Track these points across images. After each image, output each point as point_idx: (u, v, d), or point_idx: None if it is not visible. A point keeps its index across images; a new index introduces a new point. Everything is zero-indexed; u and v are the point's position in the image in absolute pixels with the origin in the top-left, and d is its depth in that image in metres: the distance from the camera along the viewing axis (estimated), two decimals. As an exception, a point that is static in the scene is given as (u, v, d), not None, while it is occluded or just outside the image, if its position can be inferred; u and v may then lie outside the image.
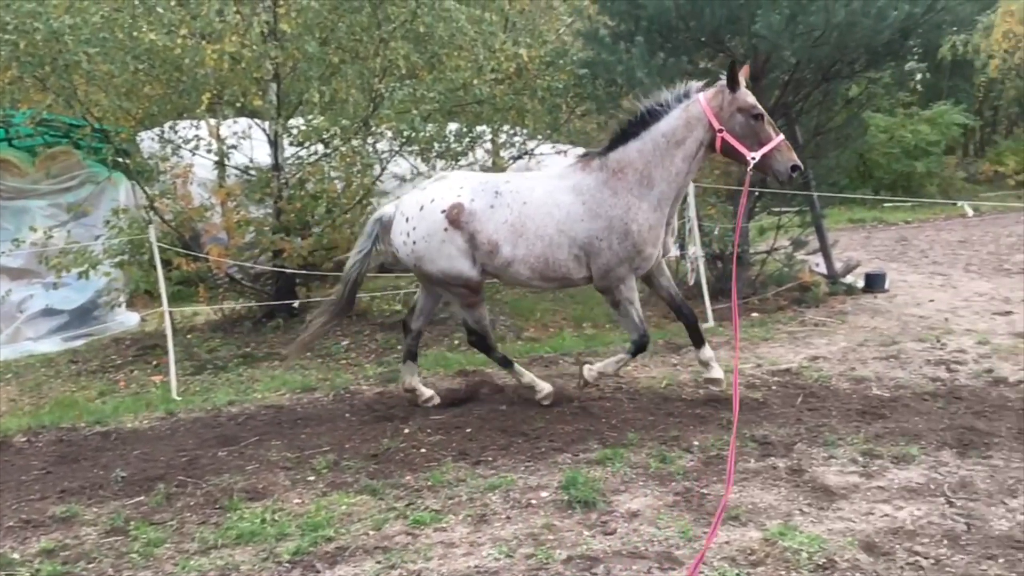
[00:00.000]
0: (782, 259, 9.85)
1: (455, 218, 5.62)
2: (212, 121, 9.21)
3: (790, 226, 10.08)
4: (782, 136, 5.42)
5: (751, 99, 5.38)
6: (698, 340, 5.95)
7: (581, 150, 10.74)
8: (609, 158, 5.64)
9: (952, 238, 15.31)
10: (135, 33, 7.77)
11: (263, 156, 9.32)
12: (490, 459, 5.04)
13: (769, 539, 3.83)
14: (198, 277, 8.94)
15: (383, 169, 9.32)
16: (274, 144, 9.07)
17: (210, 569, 3.87)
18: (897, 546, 3.75)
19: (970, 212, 18.89)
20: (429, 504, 4.43)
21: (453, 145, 9.35)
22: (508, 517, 4.24)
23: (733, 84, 5.36)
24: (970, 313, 8.63)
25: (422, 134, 8.84)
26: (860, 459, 4.77)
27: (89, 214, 10.12)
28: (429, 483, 4.70)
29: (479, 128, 9.75)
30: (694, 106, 5.49)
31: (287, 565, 3.87)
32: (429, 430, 5.58)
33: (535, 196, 5.66)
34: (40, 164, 10.25)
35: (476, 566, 3.76)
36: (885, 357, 7.00)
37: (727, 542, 3.83)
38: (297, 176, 9.06)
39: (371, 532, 4.14)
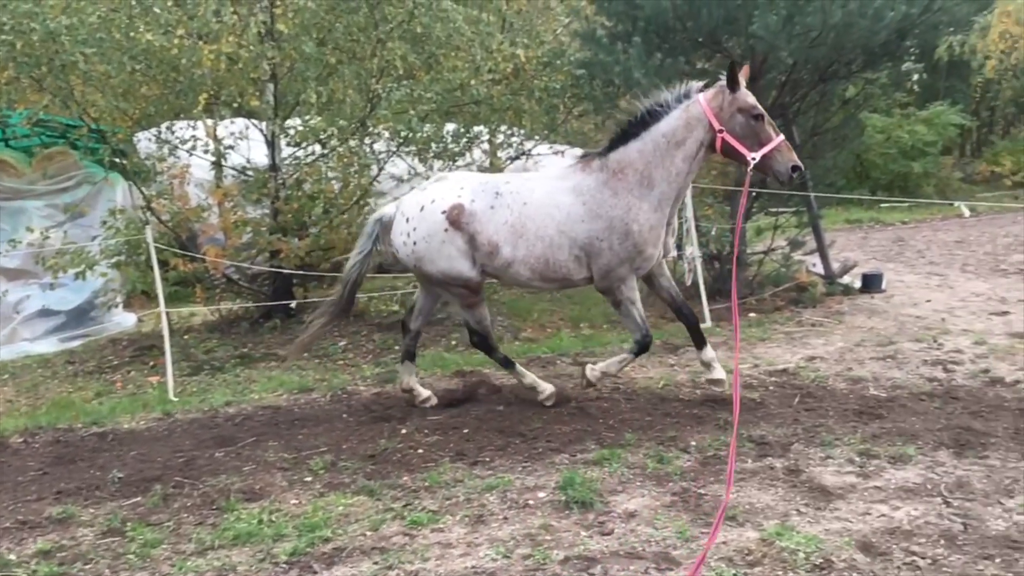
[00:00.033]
0: (779, 259, 9.86)
1: (455, 219, 5.62)
2: (209, 121, 9.19)
3: (787, 226, 10.09)
4: (782, 136, 5.42)
5: (751, 99, 5.38)
6: (700, 341, 5.94)
7: (579, 150, 10.81)
8: (609, 159, 5.64)
9: (949, 238, 15.33)
10: (132, 33, 7.76)
11: (260, 156, 9.30)
12: (487, 460, 5.04)
13: (766, 539, 3.83)
14: (195, 278, 8.93)
15: (380, 169, 9.31)
16: (271, 144, 9.07)
17: (207, 570, 3.87)
18: (894, 546, 3.76)
19: (967, 212, 18.91)
20: (426, 505, 4.43)
21: (450, 145, 9.35)
22: (505, 517, 4.24)
23: (733, 84, 5.36)
24: (967, 313, 8.64)
25: (419, 134, 8.83)
26: (857, 459, 4.78)
27: (86, 215, 10.09)
28: (426, 484, 4.70)
29: (476, 128, 9.75)
30: (694, 106, 5.49)
31: (284, 566, 3.87)
32: (426, 431, 5.58)
33: (535, 197, 5.66)
34: (37, 164, 10.23)
35: (473, 567, 3.76)
36: (882, 357, 7.01)
37: (724, 542, 3.84)
38: (294, 176, 9.05)
39: (368, 533, 4.14)
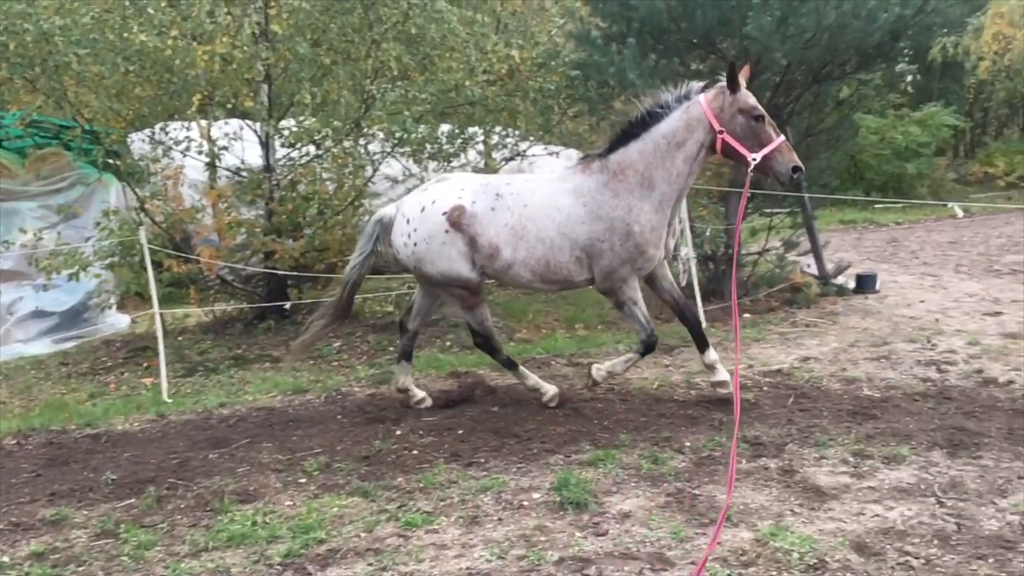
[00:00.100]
0: (774, 260, 9.87)
1: (456, 220, 5.61)
2: (203, 122, 9.18)
3: (781, 227, 10.11)
4: (783, 137, 5.40)
5: (752, 100, 5.38)
6: (702, 343, 5.91)
7: (574, 151, 10.82)
8: (610, 160, 5.64)
9: (942, 239, 15.38)
10: (125, 34, 7.74)
11: (254, 157, 9.29)
12: (482, 461, 5.04)
13: (760, 539, 3.84)
14: (189, 279, 8.91)
15: (375, 170, 9.30)
16: (265, 145, 9.05)
17: (201, 572, 3.86)
18: (888, 546, 3.77)
19: (960, 213, 18.97)
20: (421, 506, 4.43)
21: (445, 146, 9.34)
22: (500, 519, 4.24)
23: (733, 85, 5.35)
24: (960, 314, 8.67)
25: (414, 135, 8.83)
26: (851, 459, 4.79)
27: (79, 216, 10.07)
28: (421, 485, 4.69)
29: (471, 129, 9.74)
30: (695, 107, 5.49)
31: (278, 567, 3.86)
32: (421, 432, 5.58)
33: (536, 199, 5.65)
34: (30, 165, 10.20)
35: (468, 568, 3.76)
36: (876, 358, 7.02)
37: (719, 543, 3.84)
38: (288, 177, 9.04)
39: (363, 534, 4.14)
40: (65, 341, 9.36)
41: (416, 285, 6.59)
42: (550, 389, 5.98)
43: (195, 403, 6.70)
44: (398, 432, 5.60)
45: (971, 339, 7.44)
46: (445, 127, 9.54)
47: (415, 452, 5.22)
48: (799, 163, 5.37)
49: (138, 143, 9.30)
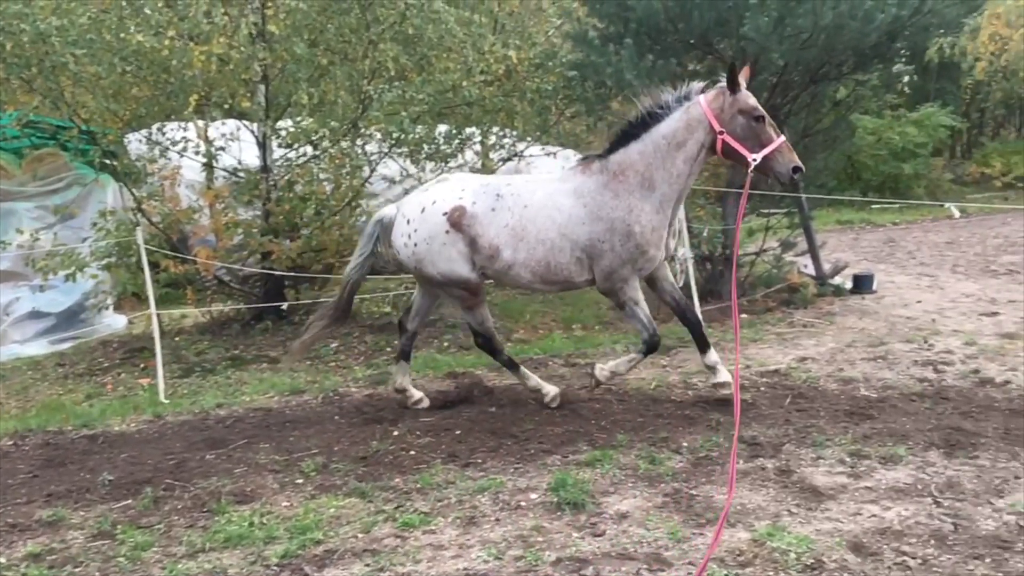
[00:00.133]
0: (771, 261, 9.88)
1: (457, 221, 5.61)
2: (200, 123, 9.18)
3: (779, 228, 10.11)
4: (783, 138, 5.40)
5: (752, 101, 5.38)
6: (703, 344, 5.90)
7: (571, 152, 10.83)
8: (610, 160, 5.63)
9: (939, 239, 15.40)
10: (122, 35, 7.73)
11: (251, 158, 9.28)
12: (479, 461, 5.04)
13: (758, 540, 3.84)
14: (186, 279, 8.90)
15: (372, 171, 9.30)
16: (262, 146, 9.04)
17: (198, 573, 3.85)
18: (885, 546, 3.77)
19: (957, 213, 19.00)
20: (418, 506, 4.42)
21: (442, 147, 9.35)
22: (497, 519, 4.24)
23: (734, 86, 5.35)
24: (957, 314, 8.68)
25: (411, 136, 8.83)
26: (848, 460, 4.79)
27: (76, 216, 10.06)
28: (418, 485, 4.69)
29: (468, 130, 9.75)
30: (695, 108, 5.48)
31: (275, 568, 3.86)
32: (418, 432, 5.58)
33: (536, 199, 5.65)
34: (27, 166, 10.19)
35: (465, 568, 3.75)
36: (873, 358, 7.03)
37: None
38: (286, 178, 9.03)
39: (360, 535, 4.13)
40: (62, 342, 9.35)
41: (415, 285, 6.58)
42: (551, 390, 5.98)
43: (192, 404, 6.69)
44: (395, 433, 5.59)
45: (968, 339, 7.45)
46: (442, 127, 9.54)
47: (412, 453, 5.22)
48: (799, 163, 5.37)
49: (135, 143, 9.29)
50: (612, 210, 5.51)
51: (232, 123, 9.42)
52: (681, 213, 8.74)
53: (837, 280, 10.25)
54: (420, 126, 8.95)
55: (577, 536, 4.00)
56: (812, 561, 3.64)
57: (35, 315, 9.66)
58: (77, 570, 3.96)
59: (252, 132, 9.20)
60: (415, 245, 5.72)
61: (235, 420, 6.18)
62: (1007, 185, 23.02)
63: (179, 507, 4.60)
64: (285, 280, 9.19)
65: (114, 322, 10.05)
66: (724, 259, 9.37)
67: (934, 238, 15.67)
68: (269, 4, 8.27)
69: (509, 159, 10.57)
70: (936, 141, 22.79)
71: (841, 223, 18.47)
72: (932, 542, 3.79)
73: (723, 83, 5.42)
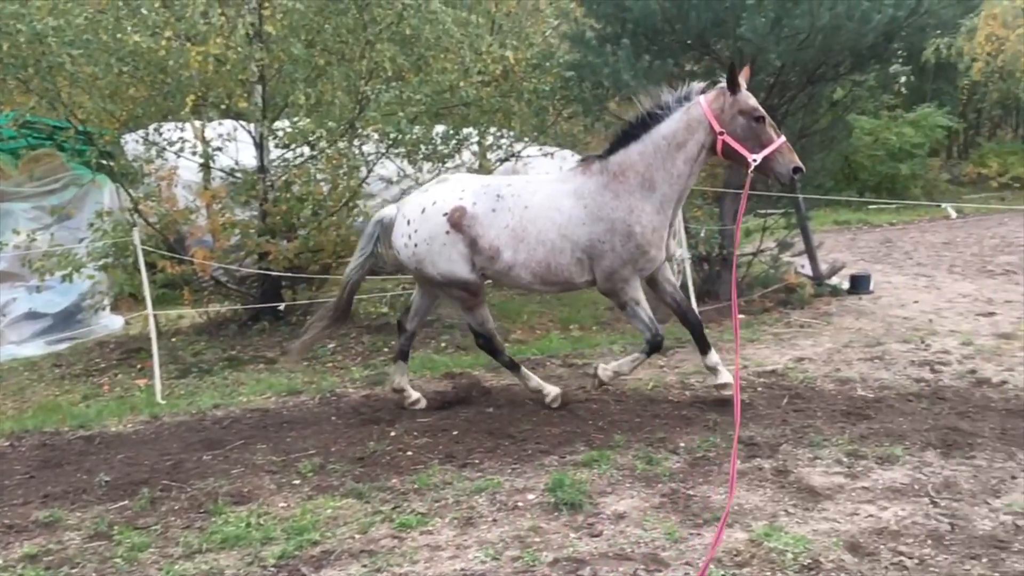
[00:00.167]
0: (768, 261, 9.89)
1: (457, 221, 5.61)
2: (197, 123, 9.16)
3: (776, 228, 10.12)
4: (783, 138, 5.39)
5: (752, 101, 5.38)
6: (704, 346, 5.89)
7: (568, 152, 10.83)
8: (610, 161, 5.64)
9: (936, 240, 15.43)
10: (119, 35, 7.72)
11: (248, 158, 9.27)
12: (476, 461, 5.03)
13: (755, 540, 3.84)
14: (183, 280, 8.89)
15: (369, 171, 9.29)
16: (260, 146, 9.04)
17: (195, 574, 3.85)
18: (882, 546, 3.77)
19: (953, 214, 19.03)
20: (415, 507, 4.42)
21: (440, 147, 9.34)
22: (494, 520, 4.24)
23: (734, 86, 5.35)
24: (954, 314, 8.69)
25: (408, 136, 8.82)
26: (845, 460, 4.80)
27: (73, 217, 10.05)
28: (415, 486, 4.69)
29: (466, 130, 9.74)
30: (695, 109, 5.49)
31: (272, 569, 3.85)
32: (415, 433, 5.57)
33: (536, 200, 5.65)
34: (23, 166, 10.17)
35: (462, 569, 3.75)
36: (870, 358, 7.04)
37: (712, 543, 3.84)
38: (283, 178, 9.02)
39: (357, 535, 4.13)
40: (58, 343, 9.33)
41: (412, 286, 6.58)
42: (552, 390, 5.97)
43: (189, 404, 6.69)
44: (393, 433, 5.59)
45: (965, 339, 7.46)
46: (440, 128, 9.53)
47: (410, 453, 5.22)
48: (800, 164, 5.36)
49: (132, 144, 9.28)
50: (612, 211, 5.51)
51: (229, 123, 9.40)
52: (679, 214, 8.81)
53: (834, 280, 10.26)
54: (417, 126, 8.95)
55: (574, 536, 4.00)
56: (809, 561, 3.64)
57: (32, 316, 9.64)
58: (73, 571, 3.95)
59: (249, 132, 9.19)
60: (415, 246, 5.72)
61: (232, 421, 6.18)
62: (1003, 185, 23.07)
63: (176, 508, 4.59)
64: (282, 281, 9.18)
65: (111, 323, 10.04)
66: (721, 259, 9.38)
67: (931, 238, 15.69)
68: (266, 4, 8.26)
69: (506, 159, 10.56)
70: (933, 141, 22.85)
71: (838, 223, 18.51)
72: (929, 542, 3.80)
73: (723, 84, 5.42)
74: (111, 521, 4.44)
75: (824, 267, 10.35)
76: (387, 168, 9.73)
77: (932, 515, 4.07)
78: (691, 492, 4.45)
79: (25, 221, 9.59)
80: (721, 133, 5.38)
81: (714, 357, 5.90)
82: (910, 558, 3.66)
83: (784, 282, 9.70)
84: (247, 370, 7.81)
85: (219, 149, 8.99)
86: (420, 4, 8.15)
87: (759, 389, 6.27)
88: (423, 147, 9.17)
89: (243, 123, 9.30)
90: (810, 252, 10.22)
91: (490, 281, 6.26)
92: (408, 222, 5.78)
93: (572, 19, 9.95)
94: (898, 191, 21.30)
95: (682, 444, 5.13)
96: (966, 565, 3.59)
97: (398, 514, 4.33)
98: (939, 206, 19.37)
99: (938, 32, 10.25)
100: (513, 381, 6.40)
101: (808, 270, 10.24)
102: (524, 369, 6.14)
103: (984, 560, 3.63)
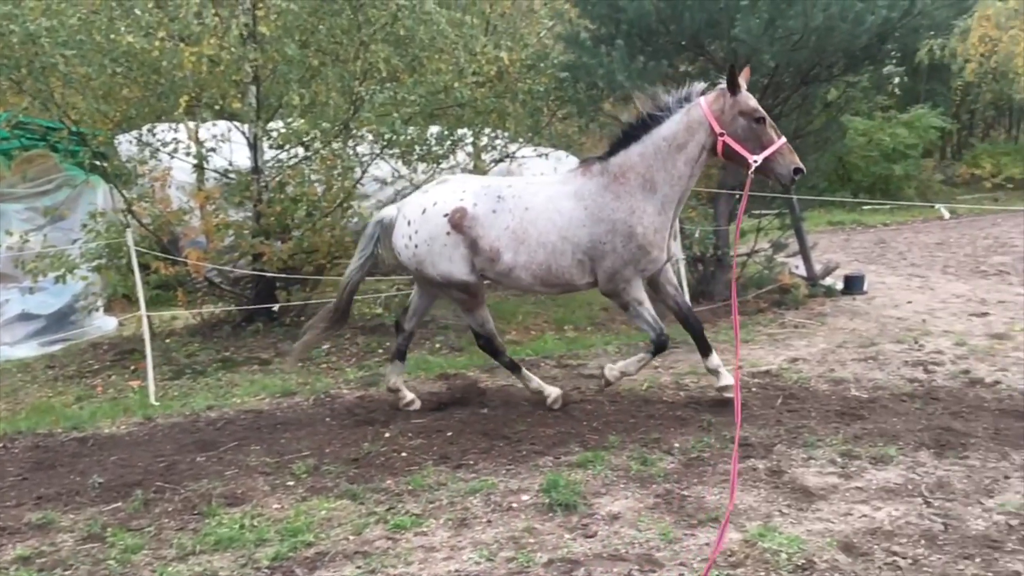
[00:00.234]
0: (762, 261, 9.91)
1: (458, 222, 5.61)
2: (191, 124, 9.14)
3: (770, 229, 10.14)
4: (784, 139, 5.40)
5: (752, 102, 5.38)
6: (705, 349, 5.90)
7: (563, 153, 10.83)
8: (610, 163, 5.64)
9: (929, 240, 15.47)
10: (112, 35, 7.70)
11: (243, 159, 9.25)
12: (471, 463, 5.03)
13: (749, 540, 3.85)
14: (177, 281, 8.86)
15: (364, 172, 9.28)
16: (254, 147, 9.01)
17: (188, 575, 3.84)
18: (875, 546, 3.78)
19: (947, 215, 19.10)
20: (410, 508, 4.42)
21: (434, 148, 9.33)
22: (489, 521, 4.24)
23: (734, 87, 5.35)
24: (947, 315, 8.72)
25: (403, 137, 8.81)
26: (839, 460, 4.81)
27: (66, 218, 10.01)
28: (410, 487, 4.68)
29: (460, 131, 9.73)
30: (695, 110, 5.49)
31: (266, 571, 3.84)
32: (410, 434, 5.57)
33: (537, 202, 5.65)
34: (16, 167, 10.12)
35: (457, 570, 3.75)
36: (863, 358, 7.05)
37: (707, 543, 3.85)
38: (277, 179, 9.01)
39: (351, 537, 4.13)
40: (52, 344, 9.30)
41: (406, 286, 6.57)
42: (553, 392, 5.97)
43: (183, 406, 6.67)
44: (387, 434, 5.59)
45: (958, 340, 7.48)
46: (434, 129, 9.53)
47: (404, 454, 5.21)
48: (800, 165, 5.36)
49: (125, 145, 9.25)
50: (613, 211, 5.51)
51: (223, 124, 9.38)
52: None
53: (828, 281, 10.29)
54: (412, 127, 8.94)
55: (569, 537, 4.00)
56: (803, 561, 3.65)
57: (25, 317, 9.61)
58: (67, 573, 3.94)
59: (243, 133, 9.17)
60: (416, 246, 5.72)
61: (226, 422, 6.16)
62: (997, 186, 23.16)
63: (169, 510, 4.58)
64: (276, 282, 9.16)
65: (104, 324, 10.01)
66: (716, 260, 9.39)
67: (924, 239, 15.74)
68: (260, 5, 8.25)
69: (501, 160, 10.56)
70: (926, 142, 22.92)
71: (832, 224, 18.55)
72: (922, 542, 3.81)
73: (723, 85, 5.42)
74: (104, 523, 4.43)
75: (818, 268, 10.37)
76: (382, 169, 9.72)
77: (926, 515, 4.08)
78: (686, 493, 4.45)
79: (18, 222, 9.56)
80: (721, 134, 5.39)
81: (715, 359, 5.91)
82: (904, 558, 3.67)
83: (778, 283, 9.72)
84: (241, 371, 7.79)
85: (213, 150, 8.98)
86: (414, 5, 8.14)
87: (753, 389, 6.29)
88: (418, 148, 9.17)
89: (237, 124, 9.28)
90: (804, 253, 10.24)
91: (489, 283, 6.26)
92: (409, 223, 5.77)
93: (566, 20, 9.97)
94: (892, 192, 21.36)
95: (677, 445, 5.14)
96: (959, 565, 3.61)
97: (392, 515, 4.33)
98: (933, 207, 19.44)
99: (931, 33, 10.25)
100: (508, 382, 6.40)
101: (802, 271, 10.27)
102: (524, 370, 6.14)
103: (977, 560, 3.64)
